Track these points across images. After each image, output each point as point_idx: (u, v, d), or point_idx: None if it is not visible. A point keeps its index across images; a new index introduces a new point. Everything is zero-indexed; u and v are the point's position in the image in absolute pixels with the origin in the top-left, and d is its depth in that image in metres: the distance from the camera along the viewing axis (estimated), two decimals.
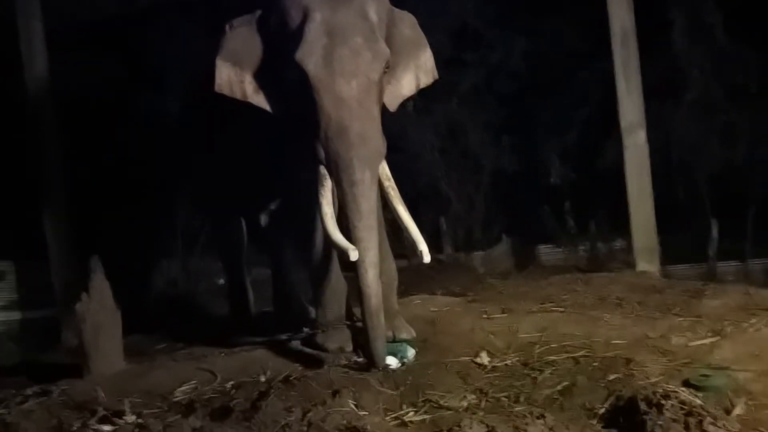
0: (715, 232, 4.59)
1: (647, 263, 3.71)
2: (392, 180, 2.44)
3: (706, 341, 2.41)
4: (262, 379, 2.52)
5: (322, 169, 2.37)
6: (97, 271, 2.91)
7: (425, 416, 2.13)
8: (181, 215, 4.97)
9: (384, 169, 2.42)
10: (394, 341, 2.59)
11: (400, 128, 5.14)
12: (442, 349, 2.59)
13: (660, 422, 1.76)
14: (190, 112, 3.40)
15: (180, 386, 2.54)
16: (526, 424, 1.89)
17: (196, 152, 3.43)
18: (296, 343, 2.79)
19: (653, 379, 2.11)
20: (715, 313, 2.73)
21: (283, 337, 2.87)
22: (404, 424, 2.07)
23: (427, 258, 2.39)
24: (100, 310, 2.84)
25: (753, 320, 2.57)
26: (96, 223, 4.44)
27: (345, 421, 2.02)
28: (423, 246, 2.39)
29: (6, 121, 4.38)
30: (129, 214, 4.63)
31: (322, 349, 2.67)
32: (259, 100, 2.51)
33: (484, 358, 2.48)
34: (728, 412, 1.85)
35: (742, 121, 4.57)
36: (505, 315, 2.91)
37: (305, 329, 2.86)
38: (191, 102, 3.38)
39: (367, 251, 2.30)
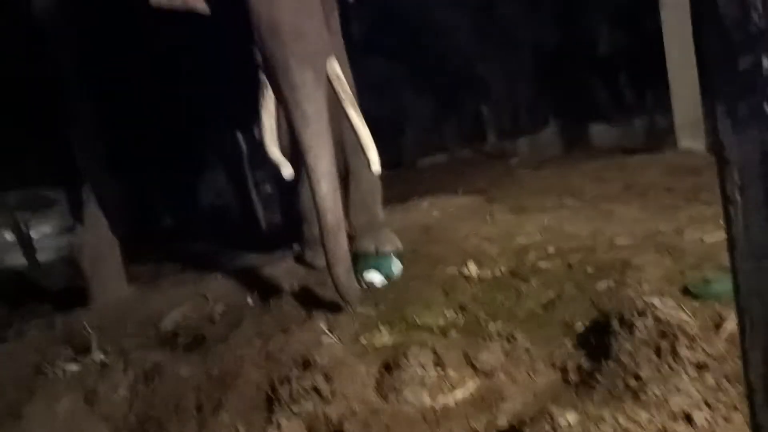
0: None
1: (690, 139, 3.24)
2: (343, 78, 2.14)
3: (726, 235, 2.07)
4: (250, 302, 2.47)
5: (262, 75, 2.11)
6: (90, 201, 2.89)
7: (397, 337, 1.99)
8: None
9: (333, 67, 2.12)
10: (377, 255, 2.41)
11: (426, 10, 4.73)
12: (431, 259, 2.39)
13: (627, 346, 1.51)
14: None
15: (170, 312, 2.53)
16: (479, 350, 1.69)
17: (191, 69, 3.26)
18: (288, 261, 2.67)
19: (646, 287, 1.83)
20: None
21: (274, 255, 2.75)
22: (366, 349, 1.93)
23: (376, 168, 2.13)
24: (96, 241, 2.83)
25: None
26: (132, 145, 4.41)
27: (302, 352, 1.92)
28: (373, 154, 2.12)
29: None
30: (162, 135, 4.58)
31: (311, 267, 2.54)
32: (200, 5, 2.25)
33: (471, 269, 2.26)
34: (719, 327, 1.57)
35: None
36: (511, 216, 2.66)
37: (295, 246, 2.72)
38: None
39: (318, 160, 2.01)
